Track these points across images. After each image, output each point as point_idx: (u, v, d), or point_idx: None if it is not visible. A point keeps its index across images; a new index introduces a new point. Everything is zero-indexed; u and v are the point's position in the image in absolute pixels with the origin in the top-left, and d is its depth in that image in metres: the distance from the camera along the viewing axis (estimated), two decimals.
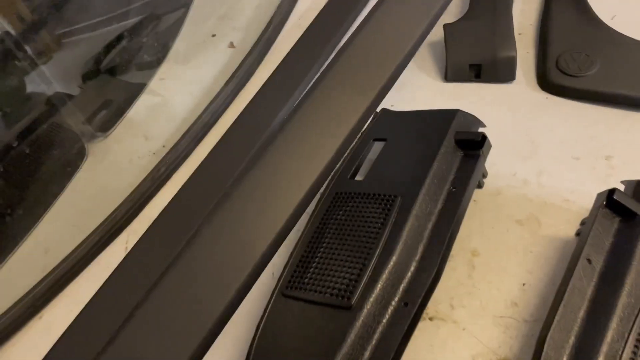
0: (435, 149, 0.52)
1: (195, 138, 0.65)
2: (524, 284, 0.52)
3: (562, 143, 0.63)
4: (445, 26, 0.72)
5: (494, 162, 0.62)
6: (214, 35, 0.80)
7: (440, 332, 0.50)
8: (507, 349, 0.48)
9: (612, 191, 0.47)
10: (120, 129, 0.69)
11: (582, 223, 0.54)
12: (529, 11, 0.78)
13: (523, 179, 0.60)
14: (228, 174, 0.60)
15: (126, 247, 0.60)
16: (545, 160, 0.61)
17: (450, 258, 0.54)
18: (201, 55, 0.78)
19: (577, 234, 0.54)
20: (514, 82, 0.70)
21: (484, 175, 0.60)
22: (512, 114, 0.67)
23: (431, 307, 0.52)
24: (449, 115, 0.55)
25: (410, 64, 0.74)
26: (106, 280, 0.54)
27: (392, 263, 0.45)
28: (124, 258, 0.56)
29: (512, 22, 0.73)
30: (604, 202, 0.47)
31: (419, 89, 0.71)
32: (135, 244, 0.57)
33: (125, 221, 0.61)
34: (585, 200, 0.56)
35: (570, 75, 0.67)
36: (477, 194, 0.60)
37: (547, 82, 0.68)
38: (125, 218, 0.61)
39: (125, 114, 0.70)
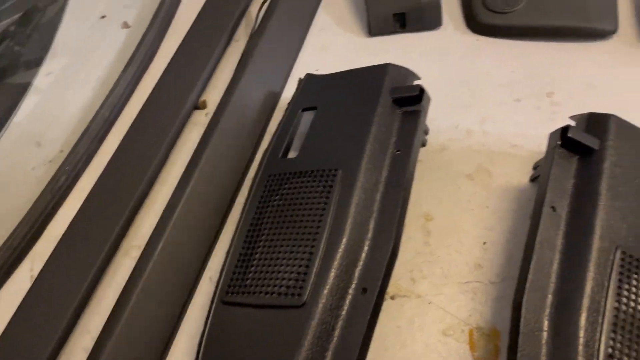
0: (371, 110, 0.46)
1: (96, 137, 0.56)
2: (484, 243, 0.48)
3: (501, 86, 0.59)
4: None
5: (433, 116, 0.56)
6: (103, 17, 0.70)
7: (405, 310, 0.45)
8: (477, 316, 0.44)
9: (565, 129, 0.43)
10: (6, 139, 0.58)
11: (535, 167, 0.51)
12: None
13: (466, 129, 0.56)
14: (138, 174, 0.52)
15: (31, 276, 0.51)
16: (487, 107, 0.57)
17: (405, 226, 0.50)
18: (91, 41, 0.67)
19: (532, 179, 0.50)
20: (442, 27, 0.65)
21: (426, 132, 0.55)
22: (445, 62, 0.62)
23: (392, 285, 0.46)
24: (381, 72, 0.50)
25: (331, 22, 0.68)
26: (12, 318, 0.45)
27: (342, 246, 0.40)
28: (30, 288, 0.47)
29: None
30: (559, 142, 0.43)
31: (344, 48, 0.65)
32: (42, 270, 0.48)
33: (26, 244, 0.52)
34: (534, 143, 0.53)
35: (499, 13, 0.62)
36: (421, 153, 0.54)
37: (475, 24, 0.64)
38: (26, 240, 0.52)
39: (9, 121, 0.59)
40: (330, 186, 0.43)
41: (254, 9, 0.69)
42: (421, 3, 0.63)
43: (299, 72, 0.63)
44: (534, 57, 0.60)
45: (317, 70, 0.62)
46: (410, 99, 0.47)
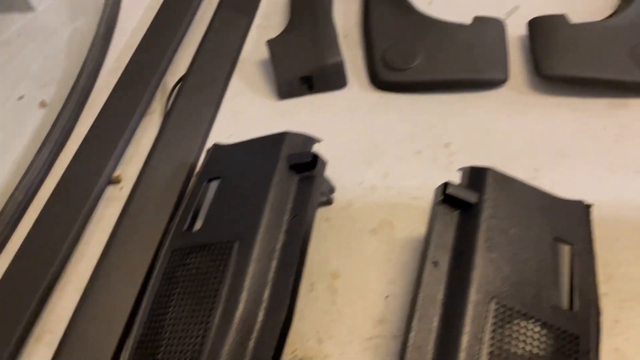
0: (267, 179, 0.49)
1: (9, 224, 0.56)
2: (387, 297, 0.50)
3: (403, 140, 0.62)
4: (268, 42, 0.69)
5: (340, 174, 0.59)
6: (21, 98, 0.71)
7: None
8: None
9: (445, 185, 0.46)
10: None
11: None
12: (351, 11, 0.77)
13: (370, 185, 0.59)
14: (51, 255, 0.53)
15: None
16: (389, 161, 0.60)
17: (311, 287, 0.52)
18: (8, 123, 0.68)
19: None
20: (348, 87, 0.69)
21: (332, 191, 0.58)
22: (351, 119, 0.65)
23: (299, 346, 0.48)
24: (278, 140, 0.52)
25: (244, 88, 0.71)
26: None
27: (236, 319, 0.41)
28: None
29: (335, 27, 0.72)
30: (440, 198, 0.46)
31: (257, 112, 0.68)
32: None
33: None
34: (431, 194, 0.56)
35: (398, 70, 0.66)
36: (328, 211, 0.57)
37: (377, 81, 0.68)
38: None
39: None
40: (227, 259, 0.44)
41: (169, 79, 0.72)
42: (325, 66, 0.67)
43: (213, 139, 0.65)
44: (432, 110, 0.64)
45: (231, 136, 0.65)
46: (305, 165, 0.50)
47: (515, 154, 0.59)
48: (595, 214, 0.52)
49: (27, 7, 0.83)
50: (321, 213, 0.57)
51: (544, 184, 0.55)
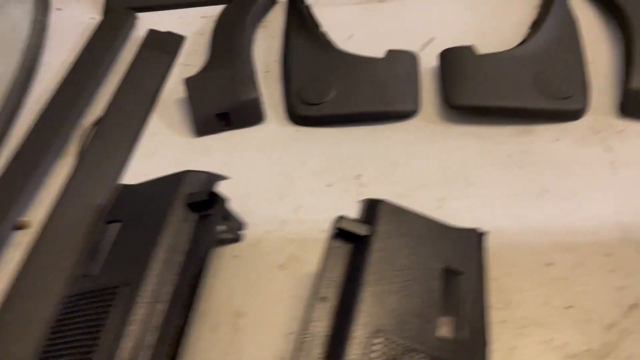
0: (162, 220, 0.48)
1: None
2: (290, 334, 0.50)
3: (315, 173, 0.63)
4: (186, 80, 0.70)
5: (253, 209, 0.59)
6: None
7: None
8: None
9: (337, 219, 0.46)
10: None
11: None
12: (273, 47, 0.79)
13: (282, 219, 0.59)
14: None
15: None
16: (301, 195, 0.61)
17: (214, 328, 0.51)
18: None
19: None
20: (266, 122, 0.69)
21: (241, 227, 0.58)
22: (267, 154, 0.66)
23: None
24: (178, 179, 0.52)
25: (162, 126, 0.71)
26: None
27: None
28: None
29: (252, 64, 0.73)
30: (334, 232, 0.46)
31: (173, 151, 0.67)
32: None
33: None
34: None
35: (313, 104, 0.67)
36: (238, 248, 0.57)
37: (294, 116, 0.68)
38: None
39: None
40: (112, 305, 0.43)
41: (88, 121, 0.71)
42: (241, 102, 0.67)
43: (128, 180, 0.64)
44: (345, 143, 0.65)
45: (145, 175, 0.64)
46: (203, 204, 0.50)
47: (423, 184, 0.60)
48: (496, 241, 0.53)
49: None
50: (229, 250, 0.56)
51: (448, 213, 0.57)
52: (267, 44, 0.80)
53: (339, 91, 0.67)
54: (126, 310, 0.43)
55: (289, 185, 0.62)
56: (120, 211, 0.54)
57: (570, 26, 0.73)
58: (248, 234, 0.58)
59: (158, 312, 0.43)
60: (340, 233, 0.46)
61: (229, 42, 0.75)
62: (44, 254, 0.56)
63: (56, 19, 0.89)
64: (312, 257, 0.55)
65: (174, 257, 0.47)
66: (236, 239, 0.57)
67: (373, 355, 0.39)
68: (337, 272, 0.45)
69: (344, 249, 0.46)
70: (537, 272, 0.51)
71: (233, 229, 0.56)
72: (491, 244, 0.53)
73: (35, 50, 0.80)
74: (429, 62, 0.71)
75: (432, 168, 0.61)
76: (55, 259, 0.56)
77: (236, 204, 0.59)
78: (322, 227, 0.57)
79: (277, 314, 0.51)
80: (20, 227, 0.60)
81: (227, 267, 0.55)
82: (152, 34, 0.81)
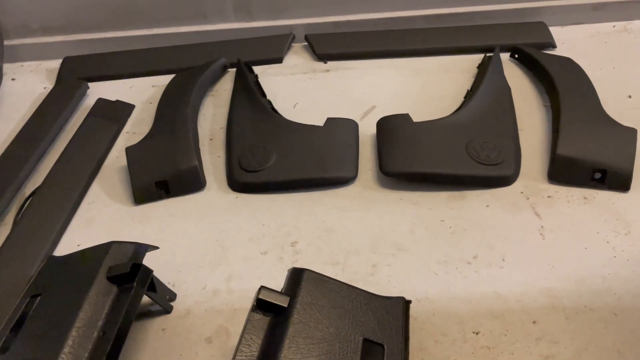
0: (83, 295, 0.47)
1: None
2: None
3: (251, 240, 0.62)
4: (127, 149, 0.70)
5: (185, 279, 0.59)
6: None
7: None
8: None
9: (259, 290, 0.46)
10: None
11: None
12: (220, 115, 0.80)
13: (213, 289, 0.58)
14: None
15: None
16: (235, 263, 0.60)
17: None
18: None
19: None
20: (206, 188, 0.69)
21: (172, 299, 0.57)
22: (204, 222, 0.65)
23: None
24: (102, 251, 0.51)
25: (102, 194, 0.70)
26: None
27: None
28: None
29: (193, 132, 0.74)
30: (255, 304, 0.46)
31: (111, 219, 0.67)
32: None
33: None
34: None
35: (252, 171, 0.68)
36: (166, 320, 0.55)
37: (233, 182, 0.69)
38: None
39: None
40: None
41: (29, 189, 0.71)
42: (180, 170, 0.68)
43: (62, 249, 0.63)
44: (283, 209, 0.65)
45: (79, 245, 0.64)
46: (124, 276, 0.49)
47: (357, 250, 0.60)
48: (425, 309, 0.53)
49: None
50: (158, 323, 0.55)
51: (381, 279, 0.57)
52: (213, 112, 0.82)
53: (278, 158, 0.69)
54: None
55: (223, 254, 0.61)
56: (42, 284, 0.53)
57: (503, 94, 0.76)
58: (178, 305, 0.57)
59: None
60: (261, 304, 0.46)
61: (173, 110, 0.76)
62: None
63: (9, 88, 0.90)
64: (240, 329, 0.54)
65: (91, 332, 0.45)
66: (166, 311, 0.55)
67: None
68: (255, 346, 0.44)
69: (264, 320, 0.45)
70: (465, 341, 0.51)
71: (162, 301, 0.55)
72: (419, 312, 0.53)
73: None
74: (369, 129, 0.73)
75: (366, 234, 0.61)
76: None
77: (168, 274, 0.59)
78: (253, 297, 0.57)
79: None
80: None
81: (153, 341, 0.53)
82: (101, 103, 0.82)
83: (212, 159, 0.73)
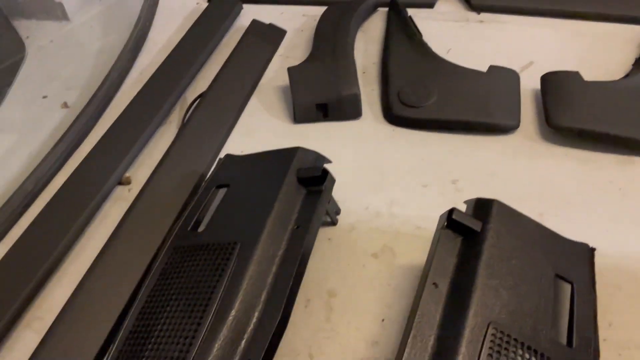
0: (276, 189, 0.49)
1: (15, 211, 0.57)
2: (383, 320, 0.49)
3: (411, 172, 0.63)
4: (289, 69, 0.72)
5: (345, 198, 0.60)
6: (45, 97, 0.73)
7: None
8: None
9: (451, 211, 0.46)
10: None
11: None
12: (372, 51, 0.80)
13: (376, 211, 0.59)
14: (50, 246, 0.53)
15: None
16: (396, 191, 0.61)
17: (307, 303, 0.51)
18: (29, 119, 0.70)
19: None
20: (362, 118, 0.70)
21: (337, 212, 0.58)
22: (361, 149, 0.66)
23: None
24: (290, 154, 0.53)
25: (261, 109, 0.73)
26: None
27: (230, 318, 0.41)
28: None
29: (354, 62, 0.74)
30: (445, 223, 0.46)
31: (270, 133, 0.69)
32: None
33: None
34: (435, 226, 0.56)
35: (412, 107, 0.68)
36: (332, 231, 0.57)
37: (391, 116, 0.69)
38: None
39: None
40: (228, 258, 0.44)
41: (190, 95, 0.74)
42: (341, 96, 0.69)
43: (226, 152, 0.66)
44: (442, 148, 0.65)
45: (242, 151, 0.66)
46: (314, 180, 0.50)
47: (521, 197, 0.59)
48: (598, 261, 0.52)
49: (64, 17, 0.87)
50: (324, 233, 0.57)
51: (549, 227, 0.56)
52: (365, 47, 0.82)
53: (440, 98, 0.68)
54: (241, 265, 0.43)
55: (383, 180, 0.62)
56: (227, 178, 0.55)
57: None
58: (341, 220, 0.58)
59: (271, 272, 0.44)
60: (451, 225, 0.46)
61: (333, 38, 0.77)
62: (143, 209, 0.58)
63: (164, 1, 0.93)
64: (405, 251, 0.55)
65: (286, 225, 0.47)
66: (334, 223, 0.57)
67: (486, 344, 0.39)
68: (448, 262, 0.45)
69: (454, 241, 0.46)
70: None
71: (330, 213, 0.57)
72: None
73: (144, 25, 0.83)
74: (528, 83, 0.72)
75: (530, 183, 0.61)
76: (154, 215, 0.57)
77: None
78: (417, 224, 0.57)
79: (370, 300, 0.51)
80: (122, 182, 0.62)
81: (320, 249, 0.55)
82: (256, 24, 0.84)
83: (367, 91, 0.74)
